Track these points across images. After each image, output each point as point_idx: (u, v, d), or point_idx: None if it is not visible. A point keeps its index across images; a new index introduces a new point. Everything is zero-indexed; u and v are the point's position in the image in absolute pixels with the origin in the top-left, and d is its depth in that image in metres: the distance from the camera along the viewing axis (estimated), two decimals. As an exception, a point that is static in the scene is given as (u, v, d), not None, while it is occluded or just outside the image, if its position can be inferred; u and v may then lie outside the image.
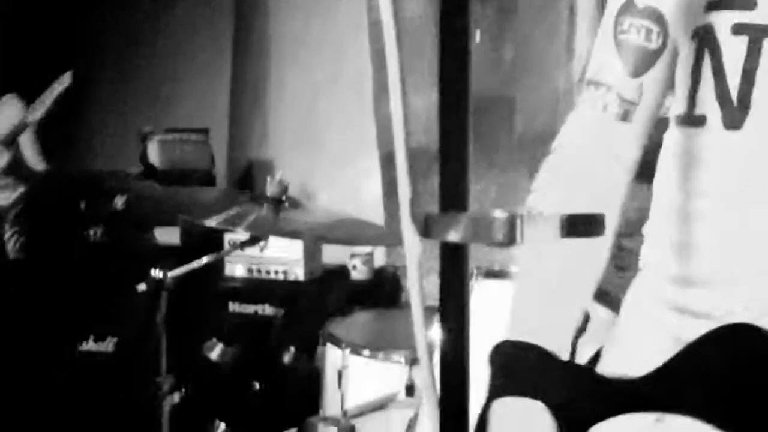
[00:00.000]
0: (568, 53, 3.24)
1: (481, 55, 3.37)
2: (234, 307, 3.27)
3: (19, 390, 2.99)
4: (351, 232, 2.42)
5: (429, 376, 0.74)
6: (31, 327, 3.07)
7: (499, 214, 0.69)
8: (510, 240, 0.68)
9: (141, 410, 1.92)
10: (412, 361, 2.17)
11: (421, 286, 0.74)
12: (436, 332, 1.89)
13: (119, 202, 3.36)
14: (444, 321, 0.74)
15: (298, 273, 3.33)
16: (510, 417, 1.05)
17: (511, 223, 0.68)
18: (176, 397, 1.87)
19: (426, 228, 0.74)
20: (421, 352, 0.76)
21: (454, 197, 0.75)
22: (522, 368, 1.08)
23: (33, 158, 3.76)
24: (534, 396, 1.05)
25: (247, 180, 4.01)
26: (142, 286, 1.91)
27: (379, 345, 2.27)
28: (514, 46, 3.44)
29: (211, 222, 1.91)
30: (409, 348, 2.23)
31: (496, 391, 1.07)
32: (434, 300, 0.73)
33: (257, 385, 2.88)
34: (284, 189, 2.20)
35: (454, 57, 0.82)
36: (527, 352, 1.08)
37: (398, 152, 0.73)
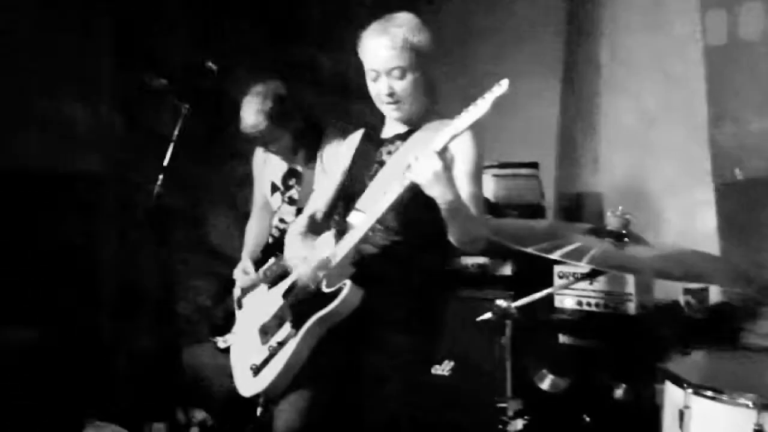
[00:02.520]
0: None
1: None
2: (564, 339, 3.29)
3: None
4: (691, 269, 2.33)
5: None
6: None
7: None
8: None
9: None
10: (762, 406, 2.05)
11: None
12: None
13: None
14: None
15: (629, 307, 3.28)
16: None
17: None
18: (520, 424, 1.93)
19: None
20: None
21: None
22: None
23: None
24: None
25: (576, 212, 4.00)
26: (487, 315, 2.00)
27: (723, 386, 2.17)
28: None
29: (555, 254, 1.96)
30: (757, 391, 2.11)
31: None
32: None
33: (588, 419, 2.87)
34: (626, 223, 2.20)
35: None
36: None
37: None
